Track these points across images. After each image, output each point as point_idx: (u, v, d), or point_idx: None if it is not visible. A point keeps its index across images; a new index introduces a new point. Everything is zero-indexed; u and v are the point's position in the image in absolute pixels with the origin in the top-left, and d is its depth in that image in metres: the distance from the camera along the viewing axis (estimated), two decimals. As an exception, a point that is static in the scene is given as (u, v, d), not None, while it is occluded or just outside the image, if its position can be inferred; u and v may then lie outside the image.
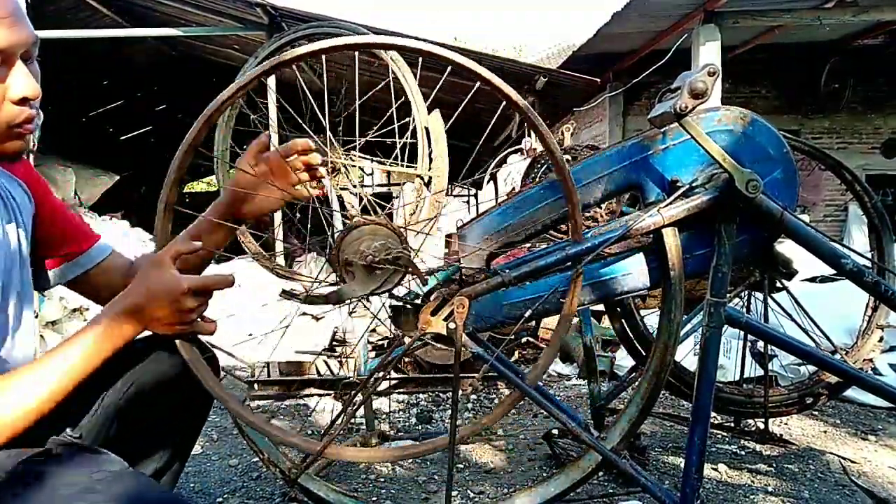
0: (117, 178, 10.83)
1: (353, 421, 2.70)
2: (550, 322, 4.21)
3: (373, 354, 3.77)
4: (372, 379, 2.15)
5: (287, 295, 2.75)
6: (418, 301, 1.51)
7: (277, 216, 4.75)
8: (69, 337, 1.00)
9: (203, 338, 1.19)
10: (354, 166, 2.80)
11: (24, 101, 0.96)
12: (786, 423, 2.64)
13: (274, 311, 5.13)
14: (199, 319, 1.08)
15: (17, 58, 0.94)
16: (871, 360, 2.23)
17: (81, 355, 0.97)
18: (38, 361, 0.97)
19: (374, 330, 4.36)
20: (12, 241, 1.07)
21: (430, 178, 2.44)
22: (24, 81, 0.95)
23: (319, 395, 3.36)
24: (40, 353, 1.02)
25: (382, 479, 2.12)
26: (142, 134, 13.00)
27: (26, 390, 0.92)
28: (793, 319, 2.06)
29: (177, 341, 1.12)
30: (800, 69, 8.80)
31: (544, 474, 2.09)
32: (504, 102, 1.07)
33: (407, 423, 2.84)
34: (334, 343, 4.68)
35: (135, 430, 1.17)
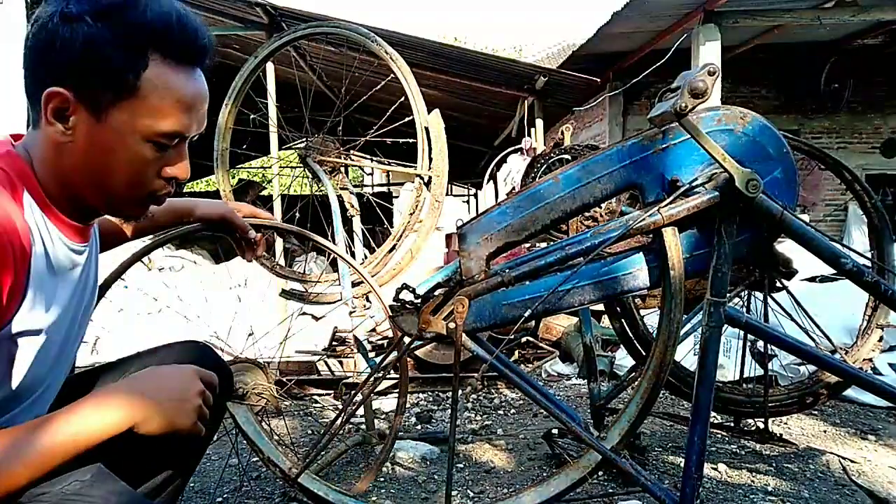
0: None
1: (352, 421, 2.70)
2: (550, 321, 4.21)
3: (372, 354, 3.77)
4: (372, 379, 2.15)
5: (287, 295, 2.75)
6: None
7: (277, 215, 4.75)
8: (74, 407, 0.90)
9: (202, 337, 1.19)
10: (354, 166, 2.79)
11: (171, 179, 1.02)
12: (786, 423, 2.64)
13: (274, 310, 5.13)
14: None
15: (186, 142, 1.01)
16: (871, 360, 2.22)
17: (74, 438, 0.88)
18: (36, 425, 0.87)
19: (373, 330, 4.36)
20: (82, 327, 1.11)
21: (430, 177, 2.43)
22: (185, 166, 1.02)
23: (319, 395, 3.36)
24: None
25: (382, 479, 2.11)
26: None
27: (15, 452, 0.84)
28: (793, 319, 2.06)
29: None
30: (800, 69, 8.79)
31: (544, 474, 2.09)
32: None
33: (407, 423, 2.84)
34: (334, 343, 4.68)
35: (140, 444, 1.16)
